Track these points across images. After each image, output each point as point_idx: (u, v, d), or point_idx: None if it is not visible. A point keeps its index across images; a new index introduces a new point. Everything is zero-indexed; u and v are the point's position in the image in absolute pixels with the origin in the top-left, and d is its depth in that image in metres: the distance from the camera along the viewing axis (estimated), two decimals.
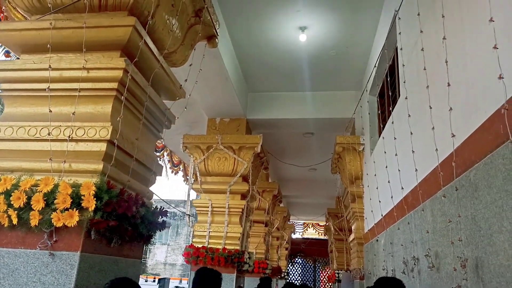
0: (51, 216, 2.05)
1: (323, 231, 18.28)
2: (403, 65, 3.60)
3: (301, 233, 20.44)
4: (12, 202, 2.08)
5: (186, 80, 3.33)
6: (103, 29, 2.47)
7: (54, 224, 2.04)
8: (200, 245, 5.97)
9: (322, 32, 5.35)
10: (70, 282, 2.03)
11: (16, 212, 2.08)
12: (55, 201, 2.07)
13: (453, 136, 2.29)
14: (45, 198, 2.09)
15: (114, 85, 2.39)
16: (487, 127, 1.97)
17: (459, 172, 2.30)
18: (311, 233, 20.32)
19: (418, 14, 2.98)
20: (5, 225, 2.10)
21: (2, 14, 3.51)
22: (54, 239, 2.09)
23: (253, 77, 6.68)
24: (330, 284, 16.42)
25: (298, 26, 5.24)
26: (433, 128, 2.59)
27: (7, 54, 4.16)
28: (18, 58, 2.67)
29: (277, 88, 6.99)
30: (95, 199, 2.08)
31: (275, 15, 5.08)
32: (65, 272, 2.05)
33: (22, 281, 2.06)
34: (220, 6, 4.90)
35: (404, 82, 3.58)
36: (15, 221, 2.08)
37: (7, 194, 2.11)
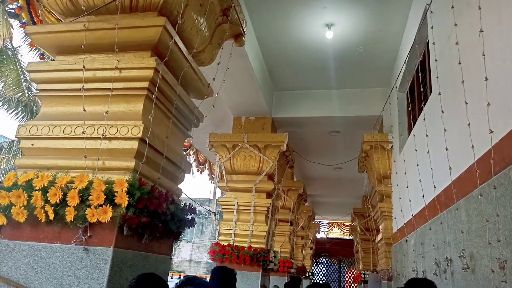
0: (85, 212, 2.10)
1: (348, 231, 18.03)
2: (436, 60, 3.49)
3: (326, 233, 20.25)
4: (48, 198, 2.15)
5: (214, 78, 3.35)
6: (135, 29, 2.52)
7: (89, 220, 2.10)
8: (225, 243, 6.00)
9: (349, 28, 5.26)
10: (103, 277, 2.08)
11: (52, 208, 2.15)
12: (90, 198, 2.13)
13: (491, 132, 2.20)
14: (80, 195, 2.15)
15: (145, 84, 2.43)
16: None
17: (498, 169, 2.21)
18: (336, 233, 20.10)
19: (452, 7, 2.88)
20: (42, 221, 2.17)
21: (37, 18, 3.64)
22: (88, 235, 2.15)
23: (279, 75, 6.66)
24: (356, 284, 16.19)
25: (325, 23, 5.17)
26: (469, 124, 2.49)
27: (41, 56, 4.32)
28: (53, 60, 2.76)
29: (303, 86, 6.93)
30: (127, 195, 2.12)
31: (301, 13, 5.04)
32: (99, 267, 2.10)
33: (58, 274, 2.12)
34: (246, 4, 4.90)
35: (437, 77, 3.47)
36: (51, 216, 2.15)
37: (44, 190, 2.18)
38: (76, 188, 2.16)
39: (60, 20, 3.01)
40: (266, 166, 6.34)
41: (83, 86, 2.44)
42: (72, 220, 2.12)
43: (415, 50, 4.29)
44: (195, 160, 9.86)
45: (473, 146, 2.43)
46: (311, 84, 6.83)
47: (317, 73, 6.50)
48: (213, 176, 8.42)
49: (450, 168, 2.92)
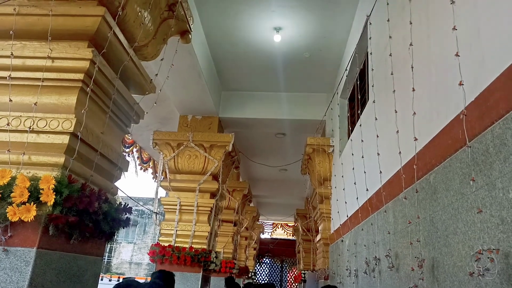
0: (6, 210, 1.96)
1: (291, 232, 18.48)
2: (372, 70, 3.69)
3: (270, 233, 20.58)
4: None
5: (156, 74, 3.27)
6: (71, 18, 2.39)
7: (10, 219, 1.96)
8: (166, 244, 5.88)
9: (296, 33, 5.40)
10: (24, 280, 1.95)
11: None
12: (12, 195, 1.99)
13: (416, 139, 2.37)
14: (0, 191, 2.00)
15: (80, 76, 2.32)
16: (447, 131, 2.05)
17: (420, 175, 2.38)
18: (280, 234, 20.49)
19: (388, 20, 3.06)
20: None
21: None
22: (9, 234, 2.00)
23: (227, 75, 6.66)
24: (296, 284, 16.61)
25: (273, 26, 5.27)
26: (397, 131, 2.67)
27: None
28: None
29: (251, 87, 7.00)
30: (54, 193, 2.01)
31: (250, 14, 5.08)
32: (19, 269, 1.97)
33: None
34: (196, 2, 4.84)
35: (372, 86, 3.67)
36: None
37: None
38: None
39: None
40: (211, 166, 6.32)
41: (10, 75, 2.27)
42: None
43: (356, 59, 4.51)
44: (138, 158, 9.54)
45: (400, 152, 2.60)
46: (259, 85, 6.91)
47: (265, 75, 6.59)
48: (157, 175, 8.20)
49: (381, 172, 3.10)
